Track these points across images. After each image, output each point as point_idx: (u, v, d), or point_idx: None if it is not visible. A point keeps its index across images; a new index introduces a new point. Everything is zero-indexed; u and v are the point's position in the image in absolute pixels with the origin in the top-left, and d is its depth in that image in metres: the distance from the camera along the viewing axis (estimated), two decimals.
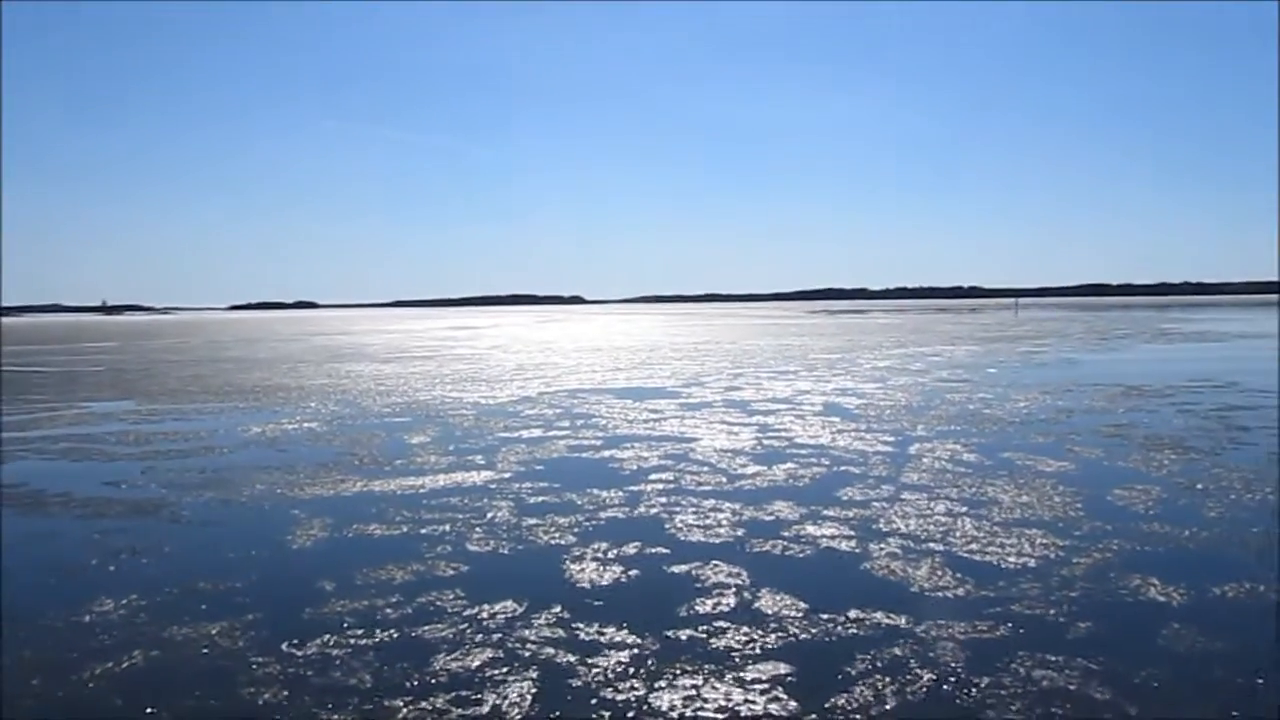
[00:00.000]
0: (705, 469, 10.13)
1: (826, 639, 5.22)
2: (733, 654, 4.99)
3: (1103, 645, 5.06)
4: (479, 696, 4.51)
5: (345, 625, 5.49)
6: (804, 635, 5.26)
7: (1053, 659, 4.85)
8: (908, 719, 4.23)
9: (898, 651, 4.99)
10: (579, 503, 8.55)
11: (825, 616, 5.52)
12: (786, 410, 15.34)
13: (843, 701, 4.40)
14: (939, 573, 6.34)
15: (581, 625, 5.43)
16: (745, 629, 5.35)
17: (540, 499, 8.74)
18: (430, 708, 4.39)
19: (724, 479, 9.58)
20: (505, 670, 4.82)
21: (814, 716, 4.26)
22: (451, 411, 15.79)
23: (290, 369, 27.32)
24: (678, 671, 4.77)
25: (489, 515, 8.11)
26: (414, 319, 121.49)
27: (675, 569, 6.53)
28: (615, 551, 6.94)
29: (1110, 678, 4.62)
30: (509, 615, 5.63)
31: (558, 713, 4.33)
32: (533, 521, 7.88)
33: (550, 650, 5.07)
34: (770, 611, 5.63)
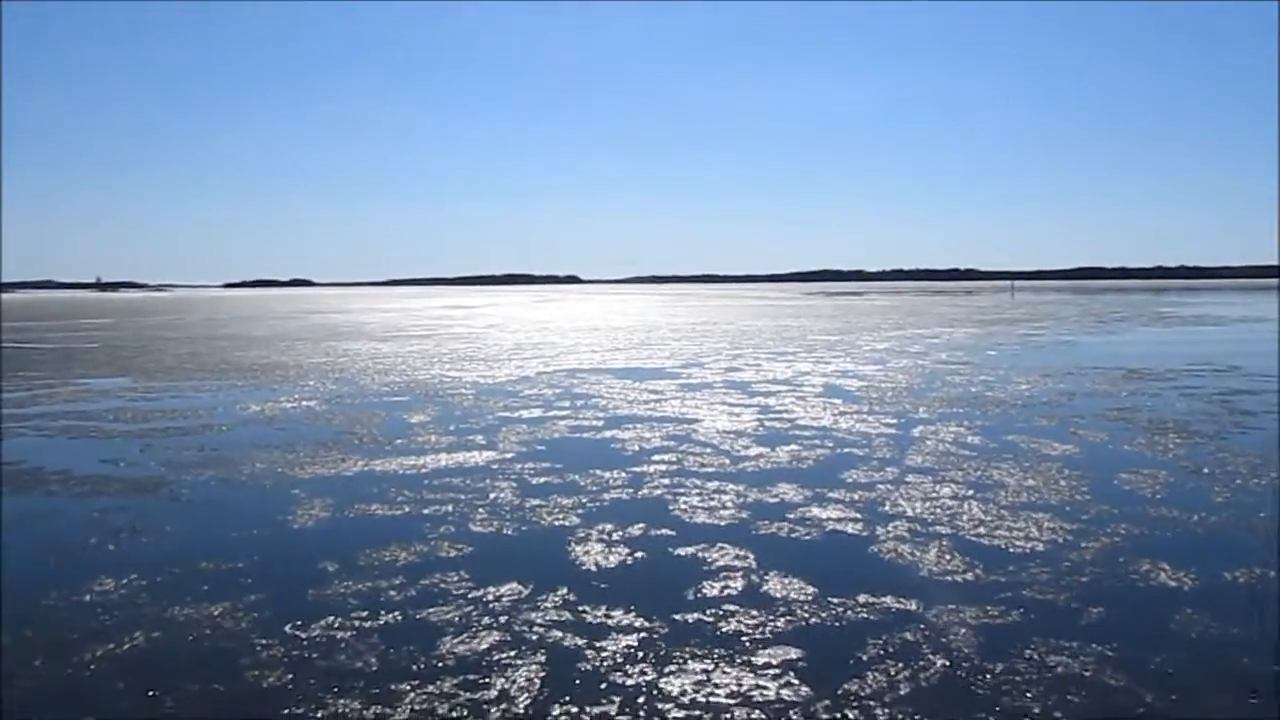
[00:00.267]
0: (708, 450, 10.06)
1: (837, 623, 5.16)
2: (742, 638, 4.93)
3: (1116, 631, 5.00)
4: (486, 680, 4.44)
5: (349, 607, 5.42)
6: (814, 619, 5.20)
7: (1067, 645, 4.79)
8: (922, 706, 4.16)
9: (909, 637, 4.93)
10: (582, 483, 8.49)
11: (834, 600, 5.46)
12: (787, 392, 15.27)
13: (855, 687, 4.34)
14: (947, 556, 6.28)
15: (588, 608, 5.37)
16: (754, 612, 5.28)
17: (543, 479, 8.67)
18: (437, 691, 4.33)
19: (727, 460, 9.52)
20: (512, 653, 4.75)
21: (827, 702, 4.20)
22: (450, 390, 15.71)
23: (287, 347, 27.21)
24: (687, 656, 4.71)
25: (491, 496, 8.04)
26: (410, 297, 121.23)
27: (681, 551, 6.47)
28: (620, 533, 6.87)
29: (1125, 664, 4.57)
30: (515, 597, 5.56)
31: (567, 697, 4.27)
32: (536, 502, 7.81)
33: (557, 633, 5.01)
34: (779, 595, 5.57)
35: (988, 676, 4.45)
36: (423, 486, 8.40)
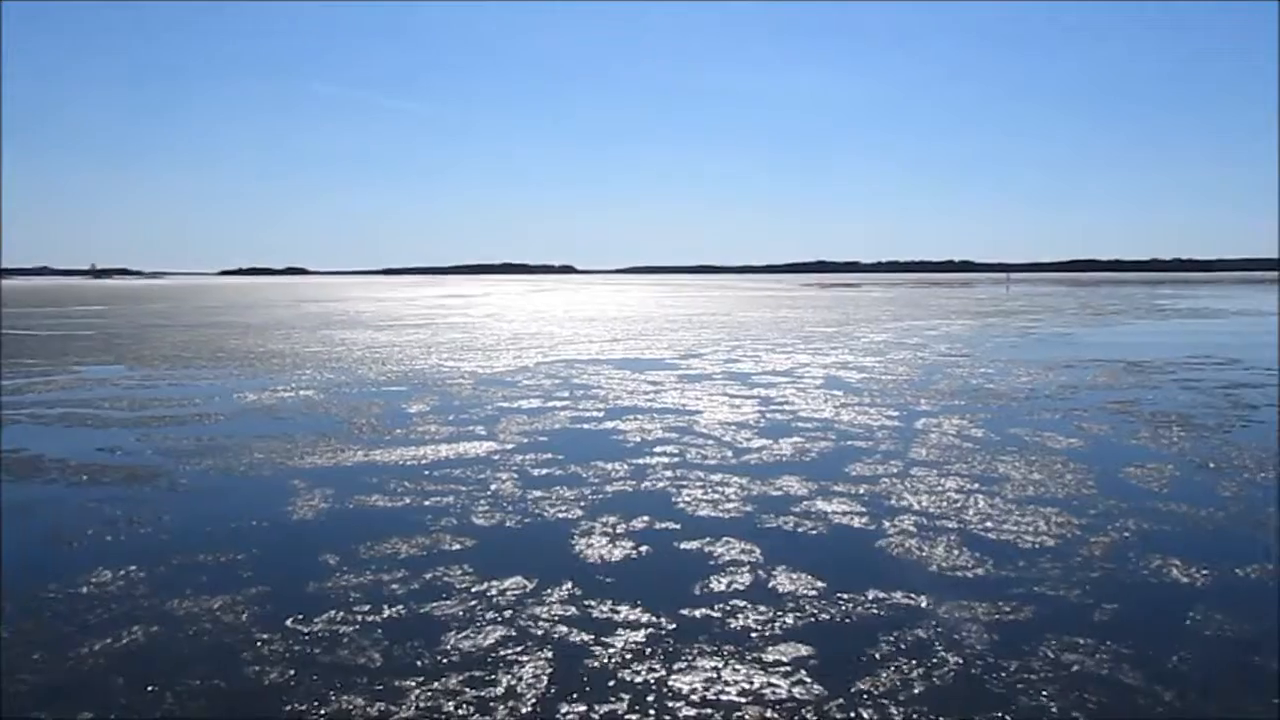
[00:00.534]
0: (710, 442, 9.98)
1: (847, 620, 5.08)
2: (751, 634, 4.86)
3: (1130, 628, 4.93)
4: (493, 677, 4.36)
5: (351, 600, 5.33)
6: (823, 615, 5.12)
7: (1081, 642, 4.72)
8: (937, 705, 4.09)
9: (921, 634, 4.85)
10: (584, 475, 8.40)
11: (844, 596, 5.39)
12: (787, 383, 15.19)
13: (868, 686, 4.27)
14: (956, 551, 6.21)
15: (594, 603, 5.29)
16: (762, 608, 5.21)
17: (544, 471, 8.59)
18: (443, 688, 4.25)
19: (729, 453, 9.44)
20: (518, 649, 4.67)
21: (840, 701, 4.12)
22: (449, 380, 15.61)
23: (284, 335, 27.07)
24: (696, 652, 4.64)
25: (493, 487, 7.95)
26: (406, 287, 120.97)
27: (686, 545, 6.39)
28: (624, 526, 6.79)
29: (1142, 662, 4.50)
30: (519, 592, 5.48)
31: (575, 695, 4.19)
32: (538, 494, 7.72)
33: (563, 629, 4.93)
34: (786, 590, 5.49)
35: (1003, 675, 4.37)
36: (423, 477, 8.31)
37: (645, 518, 6.98)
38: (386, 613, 5.16)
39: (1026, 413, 11.99)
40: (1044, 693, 4.19)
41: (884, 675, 4.37)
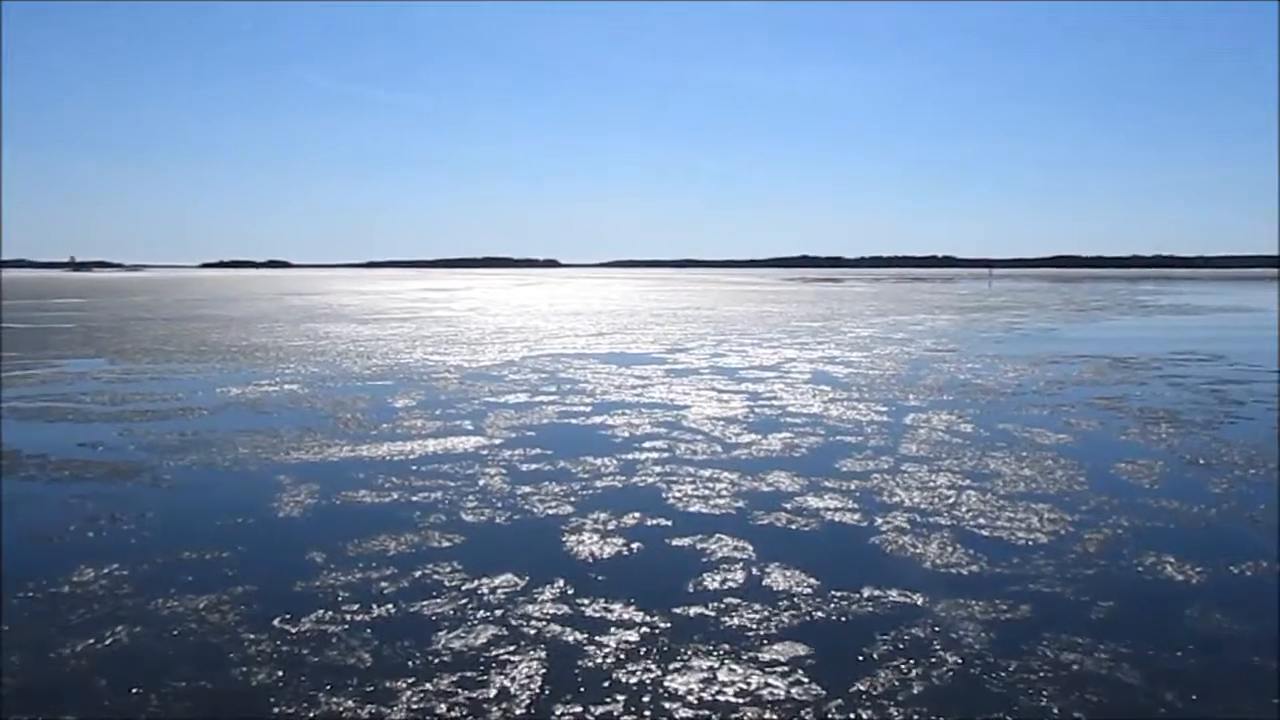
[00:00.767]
0: (699, 438, 9.91)
1: (842, 618, 5.02)
2: (747, 633, 4.79)
3: (1128, 627, 4.89)
4: (485, 677, 4.28)
5: (339, 599, 5.24)
6: (819, 614, 5.07)
7: (1079, 641, 4.67)
8: (937, 706, 4.03)
9: (918, 632, 4.80)
10: (573, 471, 8.32)
11: (838, 594, 5.33)
12: (775, 378, 15.15)
13: (866, 686, 4.21)
14: (949, 548, 6.16)
15: (586, 601, 5.21)
16: (757, 606, 5.14)
17: (533, 466, 8.50)
18: (434, 689, 4.16)
19: (719, 448, 9.38)
20: (511, 649, 4.59)
21: (839, 702, 4.06)
22: (434, 374, 15.50)
23: (267, 329, 26.87)
24: (691, 652, 4.57)
25: (481, 483, 7.87)
26: (388, 280, 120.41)
27: (678, 542, 6.32)
28: (615, 523, 6.72)
29: (1142, 662, 4.45)
30: (510, 589, 5.40)
31: (569, 696, 4.12)
32: (527, 490, 7.64)
33: (556, 628, 4.85)
34: (781, 588, 5.43)
35: (1002, 675, 4.32)
36: (410, 473, 8.22)
37: (636, 514, 6.91)
38: (375, 612, 5.07)
39: (1015, 408, 11.98)
40: (1044, 693, 4.15)
41: (883, 675, 4.31)
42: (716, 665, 4.42)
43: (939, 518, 6.88)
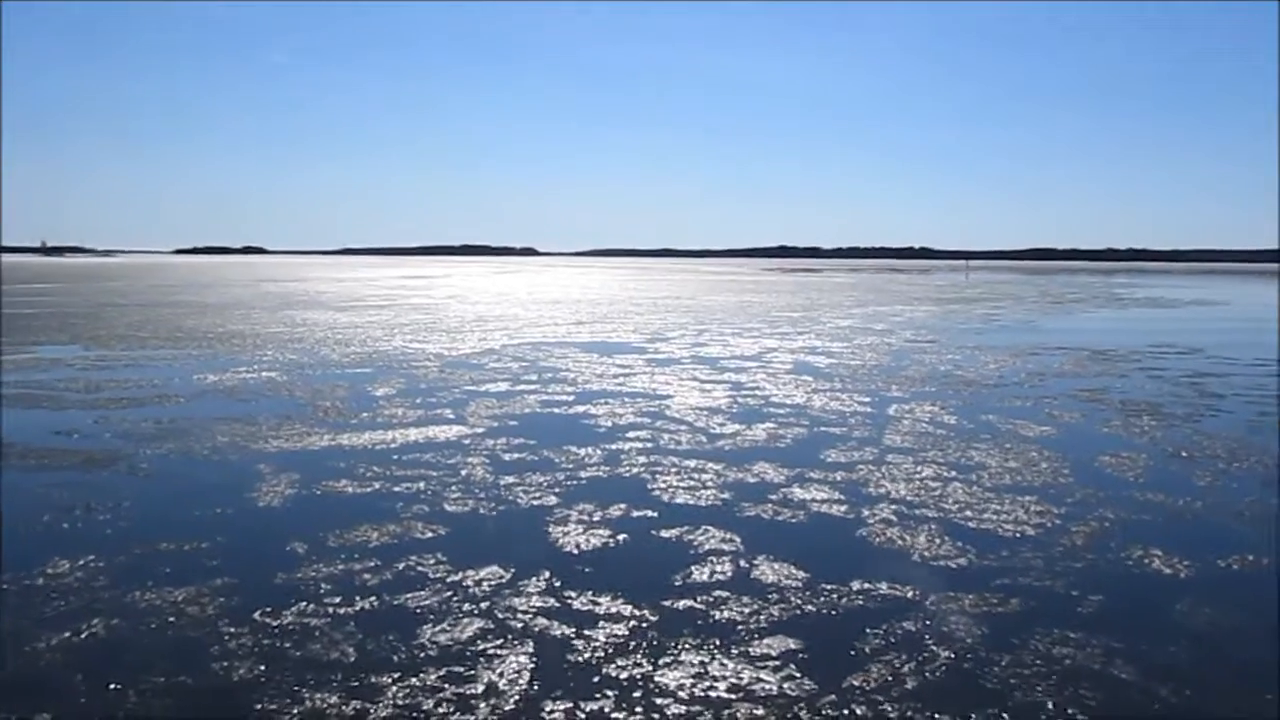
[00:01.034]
0: (683, 428, 9.85)
1: (833, 611, 4.98)
2: (737, 627, 4.73)
3: (1118, 621, 4.87)
4: (472, 672, 4.21)
5: (322, 592, 5.14)
6: (809, 607, 5.01)
7: (1071, 636, 4.64)
8: (931, 701, 3.99)
9: (910, 626, 4.76)
10: (556, 461, 8.24)
11: (828, 587, 5.28)
12: (757, 368, 15.10)
13: (859, 681, 4.16)
14: (937, 541, 6.13)
15: (573, 594, 5.14)
16: (746, 600, 5.09)
17: (516, 456, 8.41)
18: (420, 684, 4.08)
19: (703, 438, 9.31)
20: (497, 643, 4.52)
21: (833, 697, 4.01)
22: (414, 362, 15.36)
23: (243, 315, 26.60)
24: (681, 646, 4.50)
25: (464, 473, 7.77)
26: (365, 267, 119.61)
27: (665, 533, 6.25)
28: (600, 514, 6.64)
29: (1134, 657, 4.43)
30: (495, 582, 5.32)
31: (558, 691, 4.05)
32: (510, 480, 7.55)
33: (543, 621, 4.78)
34: (770, 581, 5.38)
35: (995, 669, 4.29)
36: (392, 462, 8.11)
37: (621, 505, 6.84)
38: (359, 604, 4.97)
39: (997, 400, 11.98)
40: (1038, 688, 4.11)
41: (876, 670, 4.27)
42: (708, 660, 4.36)
43: (926, 510, 6.85)
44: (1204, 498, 7.30)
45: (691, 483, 7.54)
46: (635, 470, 7.95)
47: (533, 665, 4.29)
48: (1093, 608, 5.04)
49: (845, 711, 3.90)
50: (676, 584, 5.33)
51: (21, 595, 5.07)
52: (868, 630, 4.71)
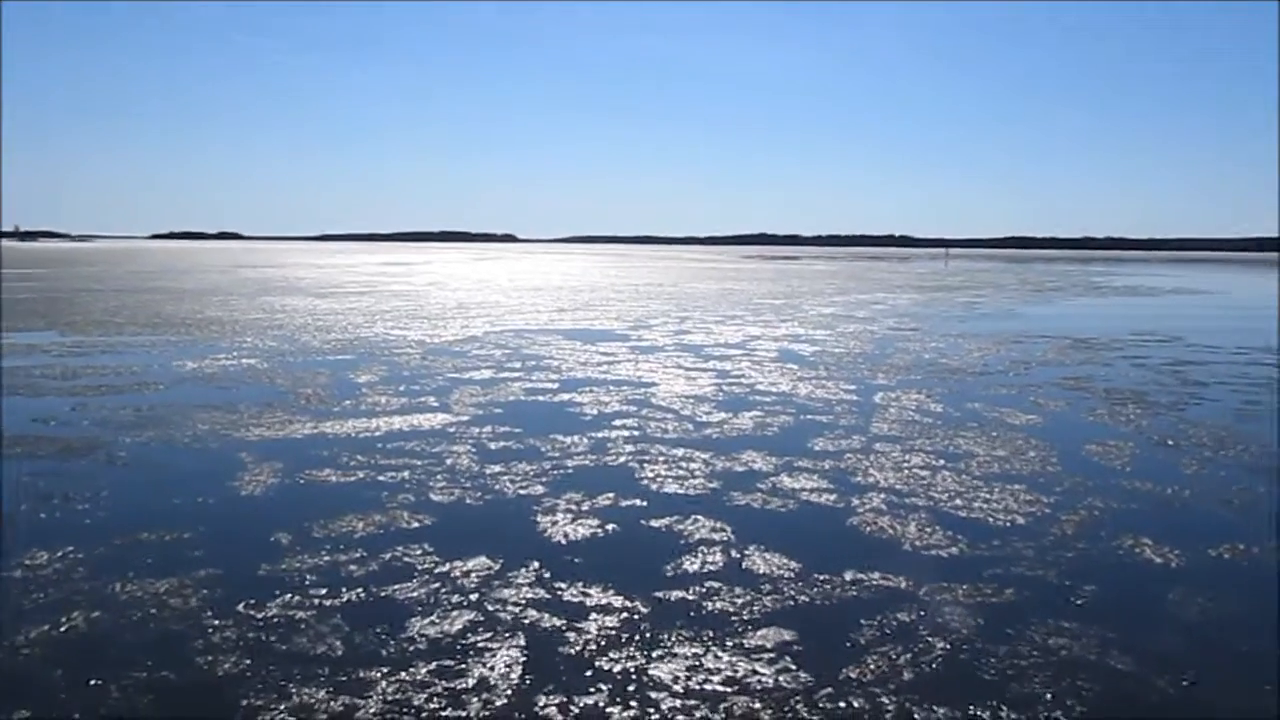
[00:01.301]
0: (669, 416, 9.78)
1: (826, 602, 4.93)
2: (730, 618, 4.67)
3: (1113, 611, 4.84)
4: (463, 666, 4.13)
5: (307, 583, 5.05)
6: (802, 598, 4.96)
7: (1066, 626, 4.61)
8: (929, 693, 3.94)
9: (904, 617, 4.71)
10: (543, 449, 8.15)
11: (821, 577, 5.23)
12: (741, 356, 15.05)
13: (856, 673, 4.11)
14: (928, 530, 6.09)
15: (563, 585, 5.07)
16: (739, 590, 5.03)
17: (501, 444, 8.32)
18: (410, 679, 4.00)
19: (690, 426, 9.25)
20: (487, 636, 4.44)
21: (829, 690, 3.96)
22: (396, 349, 15.22)
23: (221, 301, 26.33)
24: (675, 638, 4.44)
25: (449, 461, 7.68)
26: (344, 253, 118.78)
27: (654, 523, 6.19)
28: (589, 503, 6.57)
29: (1130, 647, 4.39)
30: (484, 573, 5.24)
31: (551, 685, 3.98)
32: (496, 469, 7.46)
33: (534, 613, 4.70)
34: (762, 571, 5.32)
35: (992, 660, 4.25)
36: (376, 451, 8.00)
37: (609, 494, 6.77)
38: (345, 596, 4.89)
39: (982, 388, 11.97)
40: (1035, 680, 4.07)
41: (872, 662, 4.22)
42: (702, 652, 4.30)
43: (915, 498, 6.81)
44: (1192, 486, 7.30)
45: (680, 472, 7.47)
46: (622, 459, 7.88)
47: (524, 658, 4.21)
48: (1086, 598, 5.01)
49: (843, 704, 3.85)
50: (668, 574, 5.27)
51: None
52: (862, 621, 4.66)
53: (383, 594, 4.93)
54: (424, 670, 4.08)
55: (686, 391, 11.35)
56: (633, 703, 3.84)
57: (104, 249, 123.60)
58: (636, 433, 8.91)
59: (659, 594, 4.97)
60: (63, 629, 4.46)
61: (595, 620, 4.63)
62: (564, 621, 4.61)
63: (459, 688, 3.94)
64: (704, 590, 5.03)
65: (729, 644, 4.39)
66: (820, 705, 3.84)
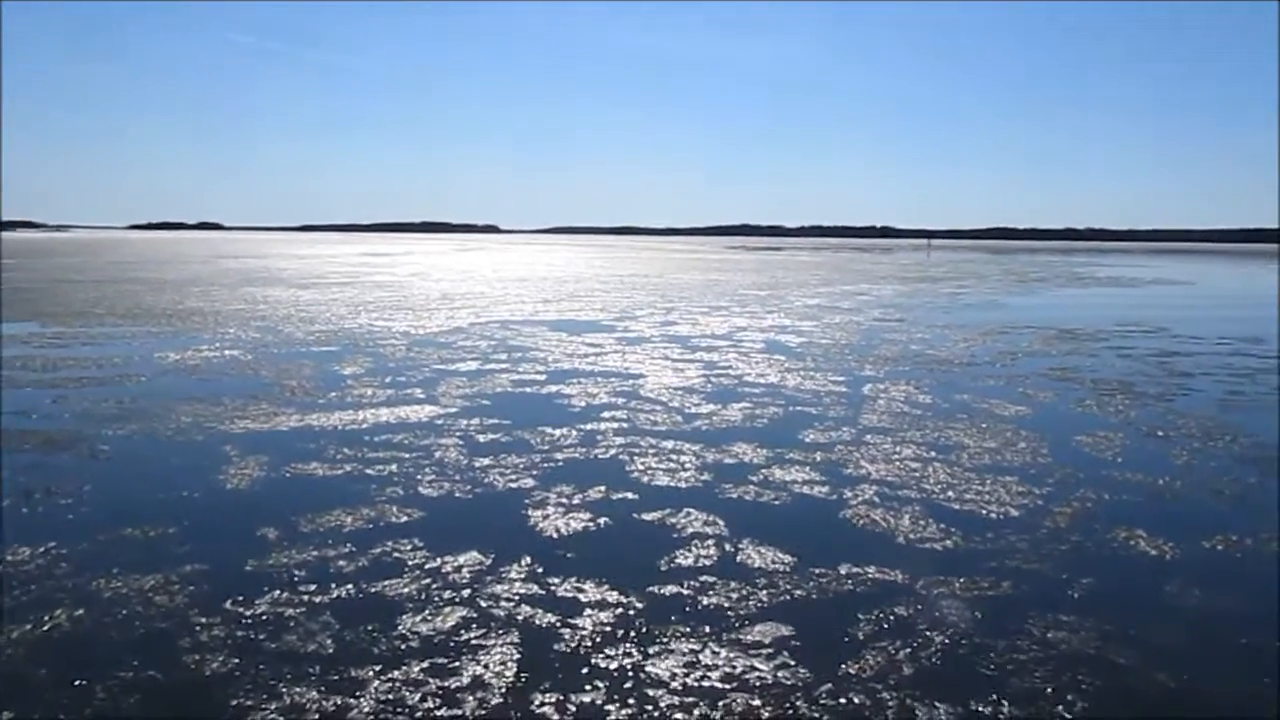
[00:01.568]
0: (658, 408, 9.71)
1: (823, 596, 4.88)
2: (726, 613, 4.62)
3: (1110, 603, 4.81)
4: (456, 664, 4.06)
5: (295, 580, 4.96)
6: (798, 592, 4.91)
7: (1064, 619, 4.58)
8: (930, 689, 3.89)
9: (901, 611, 4.67)
10: (532, 442, 8.08)
11: (816, 571, 5.18)
12: (728, 347, 15.00)
13: (856, 669, 4.06)
14: (922, 523, 6.05)
15: (557, 581, 5.00)
16: (734, 585, 4.97)
17: (490, 437, 8.24)
18: (403, 678, 3.93)
19: (679, 418, 9.19)
20: (481, 633, 4.37)
21: (829, 686, 3.91)
22: (381, 341, 15.10)
23: (202, 292, 26.09)
24: (671, 634, 4.38)
25: (438, 455, 7.59)
26: (325, 244, 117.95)
27: (646, 517, 6.13)
28: (579, 497, 6.50)
29: (1130, 640, 4.37)
30: (476, 568, 5.17)
31: (547, 683, 3.91)
32: (486, 462, 7.39)
33: (527, 609, 4.64)
34: (757, 565, 5.27)
35: (992, 655, 4.21)
36: (363, 444, 7.91)
37: (600, 487, 6.70)
38: (335, 593, 4.81)
39: (970, 379, 11.96)
40: (1036, 674, 4.03)
41: (871, 657, 4.17)
42: (699, 648, 4.24)
43: (908, 491, 6.77)
44: (1183, 477, 7.29)
45: (670, 464, 7.42)
46: (612, 451, 7.81)
47: (519, 656, 4.15)
48: (1084, 590, 4.98)
49: (843, 701, 3.80)
50: (662, 569, 5.21)
51: None
52: (860, 616, 4.62)
53: (373, 590, 4.85)
54: (417, 668, 4.01)
55: (675, 383, 11.29)
56: (631, 700, 3.78)
57: (82, 239, 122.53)
58: (626, 425, 8.85)
59: (653, 589, 4.91)
60: (46, 627, 4.37)
61: (590, 616, 4.57)
62: (558, 617, 4.55)
63: (453, 686, 3.87)
64: (699, 585, 4.98)
65: (726, 639, 4.33)
66: (821, 701, 3.79)
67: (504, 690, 3.85)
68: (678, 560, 5.34)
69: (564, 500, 6.43)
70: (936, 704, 3.78)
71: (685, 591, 4.89)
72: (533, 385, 11.06)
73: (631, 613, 4.62)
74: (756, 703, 3.78)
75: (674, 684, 3.92)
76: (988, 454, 7.89)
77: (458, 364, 12.63)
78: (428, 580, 4.99)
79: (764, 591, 4.90)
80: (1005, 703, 3.80)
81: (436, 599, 4.75)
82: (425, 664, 4.05)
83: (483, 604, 4.69)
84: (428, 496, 6.49)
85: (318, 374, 11.59)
